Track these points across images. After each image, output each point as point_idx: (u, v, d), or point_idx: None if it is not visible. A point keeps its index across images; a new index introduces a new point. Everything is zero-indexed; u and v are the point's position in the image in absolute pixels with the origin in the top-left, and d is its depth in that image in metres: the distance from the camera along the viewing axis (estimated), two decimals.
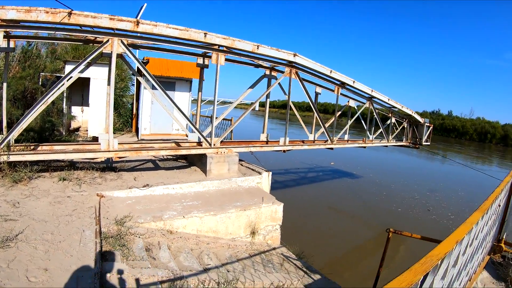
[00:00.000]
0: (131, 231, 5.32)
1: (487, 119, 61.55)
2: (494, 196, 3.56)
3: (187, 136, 12.34)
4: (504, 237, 4.51)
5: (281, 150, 10.05)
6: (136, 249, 5.02)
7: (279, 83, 9.28)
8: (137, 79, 11.75)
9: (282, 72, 9.30)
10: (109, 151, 6.58)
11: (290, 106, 9.57)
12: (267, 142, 9.78)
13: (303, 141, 10.79)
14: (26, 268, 3.37)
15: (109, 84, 6.56)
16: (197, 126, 8.38)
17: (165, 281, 4.38)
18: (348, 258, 9.92)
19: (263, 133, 9.80)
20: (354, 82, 10.63)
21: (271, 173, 9.04)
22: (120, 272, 4.03)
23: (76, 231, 4.55)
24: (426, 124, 14.89)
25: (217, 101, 8.26)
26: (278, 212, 7.85)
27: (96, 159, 6.56)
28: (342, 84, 10.74)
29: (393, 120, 14.14)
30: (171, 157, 9.21)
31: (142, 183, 6.91)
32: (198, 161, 8.46)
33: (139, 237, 5.40)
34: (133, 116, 12.28)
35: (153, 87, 7.40)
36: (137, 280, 4.11)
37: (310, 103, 10.32)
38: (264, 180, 8.88)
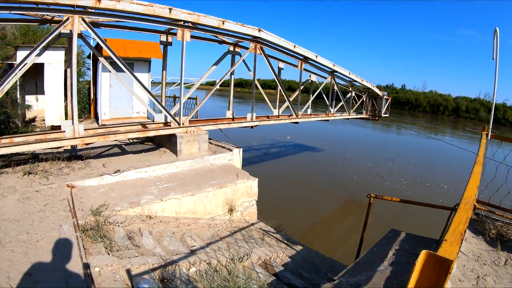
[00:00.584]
0: (110, 221, 4.97)
1: (439, 92, 63.02)
2: (482, 153, 4.01)
3: (148, 118, 11.86)
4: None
5: (248, 126, 9.87)
6: (118, 239, 4.72)
7: (243, 60, 8.96)
8: (93, 62, 10.85)
9: (247, 48, 8.99)
10: (75, 138, 6.01)
11: (256, 84, 9.36)
12: (233, 118, 9.54)
13: (267, 117, 10.68)
14: (7, 276, 2.97)
15: (70, 67, 5.91)
16: (162, 107, 7.92)
17: (157, 268, 4.16)
18: (319, 228, 10.17)
19: (228, 110, 9.55)
20: (316, 56, 10.56)
21: (241, 149, 8.88)
22: (109, 265, 3.75)
23: (53, 227, 4.13)
24: (384, 97, 15.32)
25: (181, 83, 7.83)
26: (254, 188, 7.78)
27: (60, 148, 5.97)
28: (305, 59, 10.65)
29: (353, 94, 14.40)
30: (137, 141, 8.69)
31: (112, 169, 6.46)
32: (167, 142, 8.06)
33: (119, 225, 5.07)
34: (91, 101, 11.35)
35: (116, 69, 6.79)
36: (128, 271, 3.86)
37: (275, 77, 10.13)
38: (236, 156, 8.72)
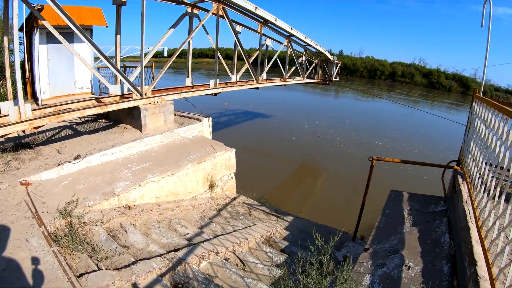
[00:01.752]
0: (85, 220, 3.75)
1: (376, 58, 62.37)
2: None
3: (93, 93, 9.95)
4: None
5: (212, 93, 8.71)
6: (102, 242, 3.56)
7: (203, 25, 7.66)
8: (26, 34, 8.56)
9: (207, 10, 7.68)
10: (21, 122, 4.42)
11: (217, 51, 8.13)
12: (192, 86, 8.32)
13: (226, 83, 9.56)
14: None
15: (6, 34, 4.22)
16: (121, 75, 6.38)
17: (166, 273, 3.22)
18: (287, 193, 9.64)
19: (187, 77, 8.28)
20: (276, 19, 9.54)
21: (211, 118, 7.77)
22: (110, 284, 2.66)
23: (18, 244, 2.84)
24: (335, 61, 14.90)
25: (142, 43, 6.33)
26: (232, 159, 6.88)
27: (2, 137, 4.36)
28: (265, 22, 9.58)
29: (306, 59, 13.75)
30: (89, 119, 7.05)
31: (70, 155, 5.02)
32: (127, 117, 6.62)
33: (97, 224, 3.87)
34: (27, 79, 8.98)
35: (54, 41, 5.08)
36: (135, 285, 2.81)
37: (236, 40, 8.98)
38: (205, 127, 7.61)
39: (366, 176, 5.05)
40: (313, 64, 14.59)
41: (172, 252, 3.53)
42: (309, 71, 14.18)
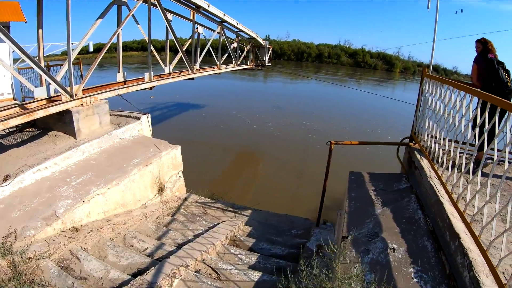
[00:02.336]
0: (29, 255, 3.22)
1: (302, 41, 63.08)
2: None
3: (15, 99, 8.47)
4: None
5: (147, 88, 8.06)
6: (54, 279, 3.12)
7: (133, 15, 6.94)
8: None
9: None
10: None
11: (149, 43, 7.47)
12: (124, 82, 7.62)
13: (160, 76, 8.95)
14: None
15: None
16: (47, 75, 5.48)
17: None
18: (233, 183, 9.58)
19: (119, 72, 7.54)
20: (208, 5, 9.07)
21: (149, 115, 7.23)
22: None
23: None
24: (267, 46, 14.83)
25: (68, 38, 5.48)
26: (178, 157, 6.56)
27: None
28: (198, 8, 9.05)
29: (239, 45, 13.45)
30: (14, 129, 5.96)
31: None
32: (57, 122, 5.76)
33: (44, 257, 3.37)
34: None
35: None
36: None
37: (169, 29, 8.36)
38: (145, 125, 7.07)
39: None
40: (246, 50, 14.40)
41: (139, 277, 3.22)
42: (242, 58, 13.98)
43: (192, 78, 10.01)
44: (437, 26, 5.08)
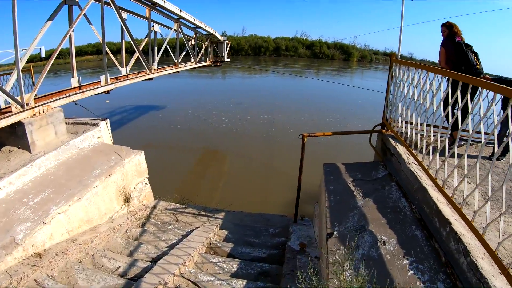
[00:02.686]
0: None
1: (259, 35, 62.26)
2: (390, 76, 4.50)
3: None
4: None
5: (104, 91, 7.59)
6: None
7: (84, 14, 6.47)
8: None
9: None
10: None
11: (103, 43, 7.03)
12: (80, 87, 7.13)
13: (117, 78, 8.49)
14: None
15: None
16: None
17: None
18: (198, 184, 9.41)
19: (73, 77, 7.02)
20: (164, 1, 8.70)
21: (108, 120, 6.84)
22: None
23: None
24: (225, 41, 14.55)
25: (15, 42, 4.96)
26: (142, 163, 6.30)
27: None
28: (153, 5, 8.65)
29: (197, 42, 13.10)
30: None
31: None
32: (10, 136, 5.21)
33: None
34: None
35: None
36: None
37: (124, 27, 7.91)
38: (104, 131, 6.66)
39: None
40: (204, 47, 14.08)
41: None
42: (200, 55, 13.64)
43: (151, 79, 9.60)
44: (403, 13, 5.14)
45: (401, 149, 4.06)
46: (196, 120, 15.55)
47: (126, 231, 5.02)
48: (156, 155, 10.74)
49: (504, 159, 4.31)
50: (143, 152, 6.22)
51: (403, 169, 3.77)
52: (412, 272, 2.50)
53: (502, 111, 2.49)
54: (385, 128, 4.89)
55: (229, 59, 15.56)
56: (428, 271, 2.48)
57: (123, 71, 8.46)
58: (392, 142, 4.34)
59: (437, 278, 2.40)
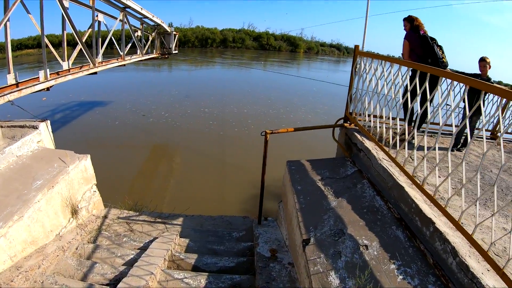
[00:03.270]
0: None
1: (206, 27, 60.52)
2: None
3: None
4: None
5: (44, 88, 6.81)
6: None
7: (21, 1, 5.69)
8: None
9: None
10: None
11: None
12: (17, 84, 6.31)
13: (57, 73, 7.66)
14: None
15: None
16: None
17: None
18: (150, 187, 8.96)
19: (9, 73, 6.17)
20: None
21: (49, 121, 6.12)
22: None
23: None
24: (173, 32, 13.81)
25: None
26: (89, 169, 5.75)
27: None
28: None
29: (144, 33, 12.31)
30: None
31: None
32: None
33: None
34: None
35: None
36: None
37: (66, 16, 7.13)
38: (45, 134, 5.94)
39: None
40: (151, 39, 13.28)
41: None
42: (147, 47, 12.86)
43: (95, 73, 8.82)
44: (368, 5, 5.20)
45: (368, 144, 3.92)
46: (140, 116, 14.77)
47: (76, 249, 4.61)
48: (102, 157, 9.91)
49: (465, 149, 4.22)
50: (89, 156, 5.69)
51: (374, 165, 3.63)
52: (401, 277, 2.38)
53: (463, 103, 2.60)
54: (349, 122, 4.74)
55: (176, 51, 14.90)
56: (417, 275, 2.37)
57: (65, 65, 7.66)
58: (358, 136, 4.19)
59: (427, 281, 2.31)
